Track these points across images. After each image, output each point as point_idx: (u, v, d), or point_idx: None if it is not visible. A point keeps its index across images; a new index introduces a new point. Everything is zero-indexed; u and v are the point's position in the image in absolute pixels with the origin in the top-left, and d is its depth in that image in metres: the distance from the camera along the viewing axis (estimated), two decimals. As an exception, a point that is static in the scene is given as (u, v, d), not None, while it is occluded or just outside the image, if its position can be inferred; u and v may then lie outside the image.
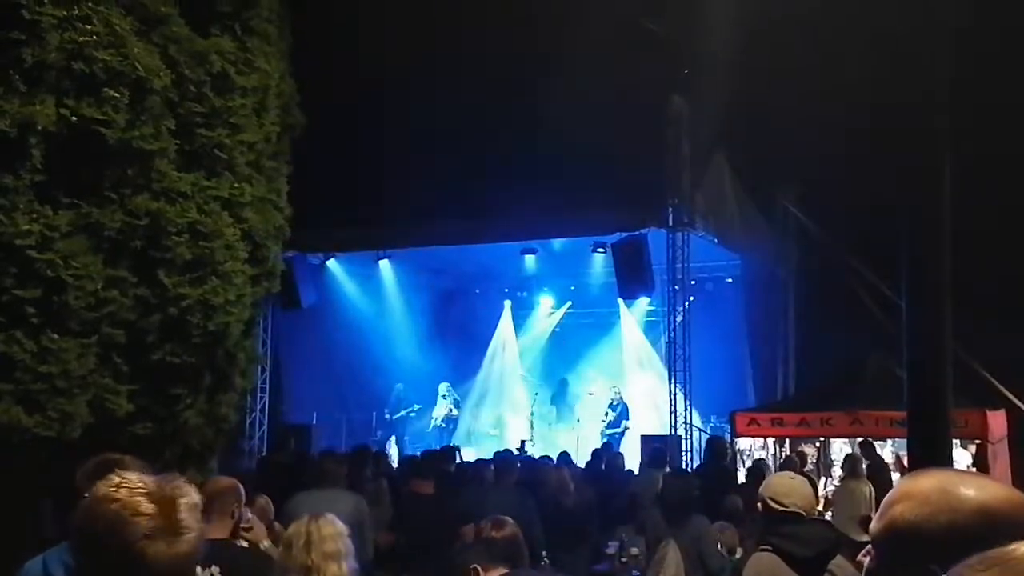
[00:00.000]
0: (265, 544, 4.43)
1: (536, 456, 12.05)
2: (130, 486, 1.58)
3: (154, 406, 6.75)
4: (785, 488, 3.75)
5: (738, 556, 6.01)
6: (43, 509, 5.45)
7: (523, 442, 15.43)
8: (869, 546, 1.45)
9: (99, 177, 6.21)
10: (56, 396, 6.01)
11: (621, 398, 15.97)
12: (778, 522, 3.65)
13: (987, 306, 11.51)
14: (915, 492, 1.38)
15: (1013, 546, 0.99)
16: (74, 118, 5.89)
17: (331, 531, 3.37)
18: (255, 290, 7.37)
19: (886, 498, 1.44)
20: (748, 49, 12.57)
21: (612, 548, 6.88)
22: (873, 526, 1.44)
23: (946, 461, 6.32)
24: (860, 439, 11.17)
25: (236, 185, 7.02)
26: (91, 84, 5.98)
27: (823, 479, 11.78)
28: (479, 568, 3.34)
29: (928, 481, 1.39)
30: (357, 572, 3.45)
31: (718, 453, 9.91)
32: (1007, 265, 12.60)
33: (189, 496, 1.62)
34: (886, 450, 11.61)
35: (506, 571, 3.38)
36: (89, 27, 5.92)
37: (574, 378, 17.93)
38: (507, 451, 11.94)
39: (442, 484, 7.41)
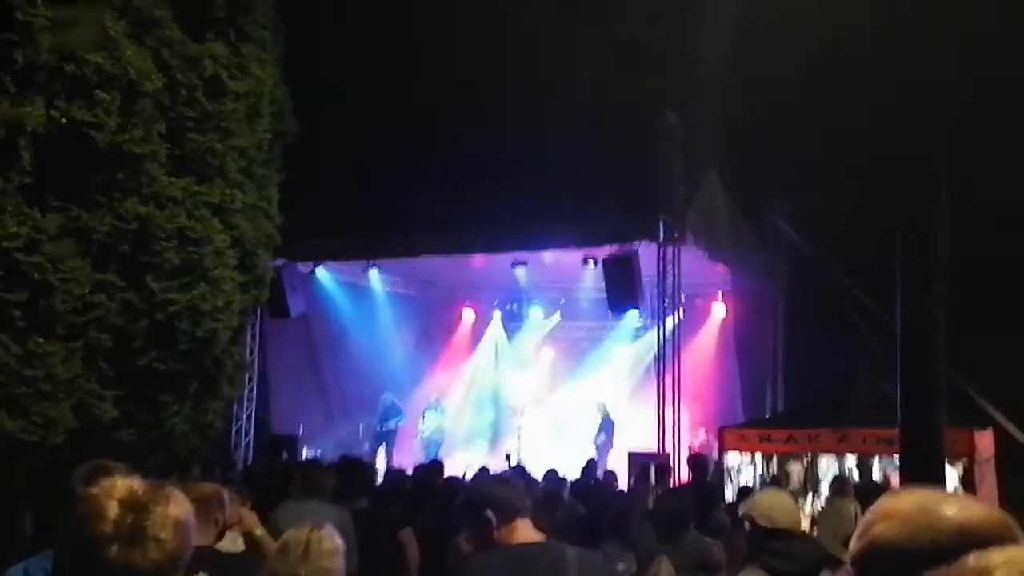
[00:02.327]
0: (259, 532, 4.38)
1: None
2: (108, 488, 1.55)
3: (140, 412, 6.70)
4: (772, 504, 3.74)
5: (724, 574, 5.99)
6: (26, 516, 5.40)
7: (508, 455, 15.38)
8: (848, 565, 1.44)
9: (88, 180, 6.18)
10: (40, 400, 5.96)
11: (607, 414, 15.95)
12: (766, 539, 3.64)
13: (976, 326, 11.56)
14: (895, 511, 1.37)
15: (966, 557, 0.99)
16: (64, 120, 5.87)
17: (330, 546, 3.30)
18: (244, 297, 7.34)
19: (865, 517, 1.43)
20: (742, 65, 12.64)
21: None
22: (853, 545, 1.42)
23: (939, 481, 6.31)
24: (857, 458, 11.17)
25: (227, 191, 6.99)
26: (82, 86, 5.96)
27: (810, 496, 11.77)
28: (492, 515, 2.97)
29: (908, 500, 1.38)
30: None
31: (700, 470, 9.92)
32: (998, 285, 12.65)
33: (169, 506, 1.56)
34: (874, 468, 11.60)
35: (532, 526, 3.03)
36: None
37: (563, 391, 17.90)
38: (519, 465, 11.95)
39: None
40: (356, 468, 7.69)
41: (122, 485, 1.57)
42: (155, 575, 1.49)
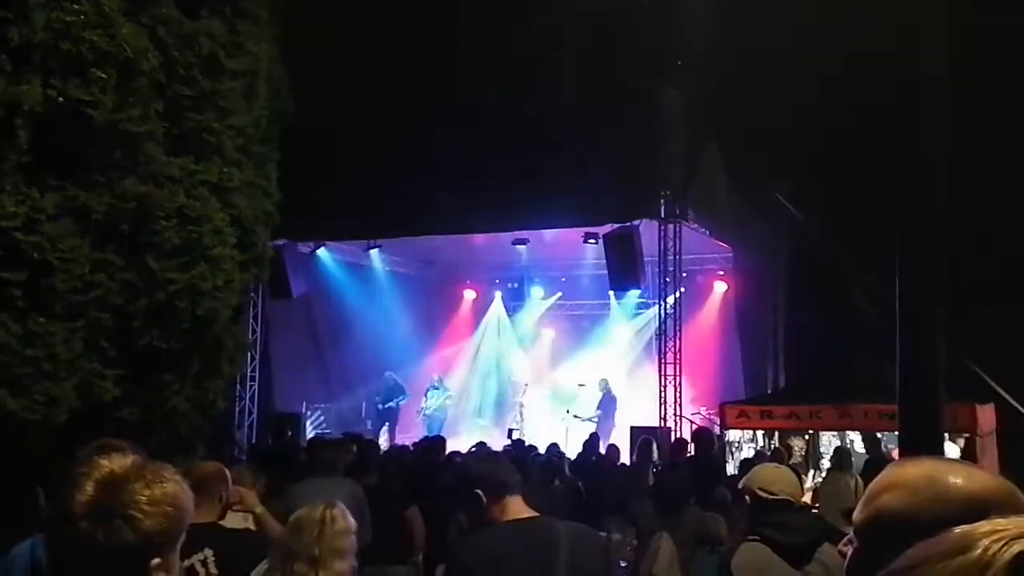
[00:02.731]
0: (259, 511, 4.39)
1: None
2: (92, 466, 1.52)
3: (141, 391, 6.69)
4: (772, 477, 3.74)
5: (725, 548, 6.01)
6: (35, 495, 5.41)
7: (511, 431, 15.43)
8: (850, 535, 1.42)
9: (86, 159, 6.14)
10: (42, 380, 5.96)
11: (608, 390, 15.99)
12: (766, 511, 3.63)
13: (977, 300, 11.54)
14: (902, 481, 1.35)
15: (951, 529, 0.97)
16: (61, 99, 5.82)
17: (343, 526, 3.30)
18: (243, 276, 7.31)
19: (871, 486, 1.40)
20: (743, 41, 12.55)
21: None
22: (857, 515, 1.40)
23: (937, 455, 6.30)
24: (862, 433, 11.20)
25: (225, 170, 6.94)
26: (78, 64, 5.91)
27: (811, 472, 11.81)
28: (482, 493, 2.94)
29: (915, 470, 1.36)
30: (355, 571, 3.42)
31: (705, 444, 9.95)
32: (997, 258, 12.63)
33: (146, 485, 1.50)
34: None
35: (524, 502, 3.00)
36: (76, 7, 5.85)
37: (564, 369, 17.94)
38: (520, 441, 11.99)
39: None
40: (365, 446, 7.75)
41: (107, 463, 1.52)
42: (128, 554, 1.44)
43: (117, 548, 1.45)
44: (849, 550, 1.40)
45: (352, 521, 3.39)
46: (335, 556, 3.22)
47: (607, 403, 15.89)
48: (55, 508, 1.52)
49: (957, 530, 0.94)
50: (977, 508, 1.26)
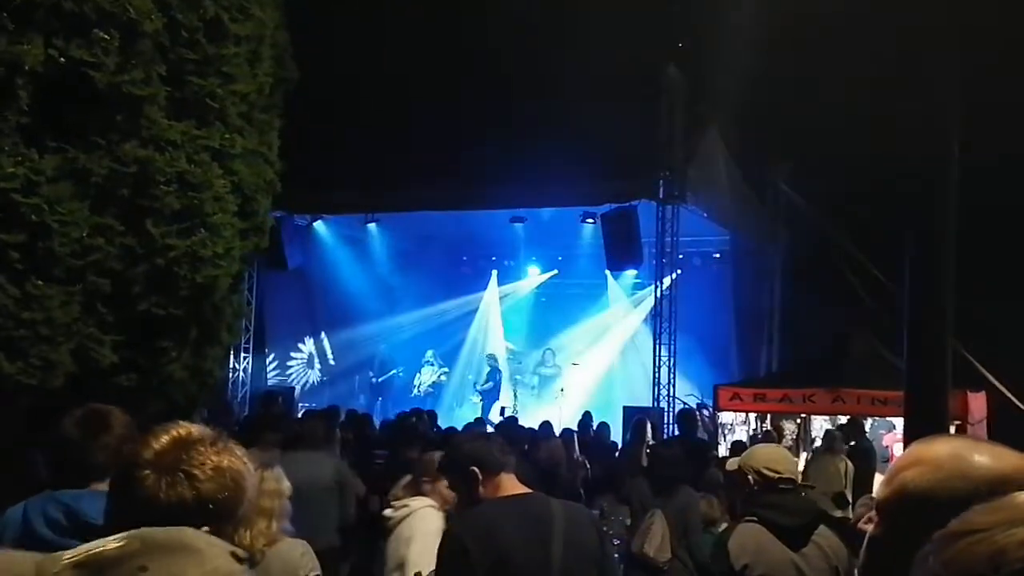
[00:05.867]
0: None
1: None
2: (168, 425, 1.55)
3: (139, 358, 6.65)
4: (775, 456, 3.75)
5: (721, 528, 6.05)
6: (33, 459, 5.38)
7: (503, 409, 15.50)
8: (872, 512, 1.42)
9: (87, 122, 6.06)
10: (39, 343, 5.92)
11: (495, 365, 16.52)
12: (764, 492, 3.64)
13: (969, 287, 11.55)
14: (927, 458, 1.34)
15: (1014, 494, 0.96)
16: (63, 59, 5.74)
17: (272, 488, 3.27)
18: (244, 244, 7.25)
19: (894, 463, 1.40)
20: (745, 23, 12.48)
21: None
22: (880, 492, 1.40)
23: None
24: (847, 418, 11.26)
25: (227, 136, 6.86)
26: (81, 25, 5.82)
27: (804, 455, 11.90)
28: (477, 471, 2.99)
29: (940, 447, 1.36)
30: (292, 534, 3.34)
31: (690, 426, 10.02)
32: (991, 245, 12.65)
33: (215, 451, 1.53)
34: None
35: (516, 479, 3.07)
36: (80, -34, 5.75)
37: (559, 348, 17.98)
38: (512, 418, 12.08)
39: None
40: (417, 417, 7.76)
41: (184, 425, 1.56)
42: (184, 512, 1.43)
43: (174, 503, 1.46)
44: (870, 527, 1.40)
45: (287, 485, 3.36)
46: (261, 516, 3.16)
47: (493, 376, 16.48)
48: (121, 461, 1.55)
49: (1021, 496, 0.92)
50: (1004, 487, 1.25)
